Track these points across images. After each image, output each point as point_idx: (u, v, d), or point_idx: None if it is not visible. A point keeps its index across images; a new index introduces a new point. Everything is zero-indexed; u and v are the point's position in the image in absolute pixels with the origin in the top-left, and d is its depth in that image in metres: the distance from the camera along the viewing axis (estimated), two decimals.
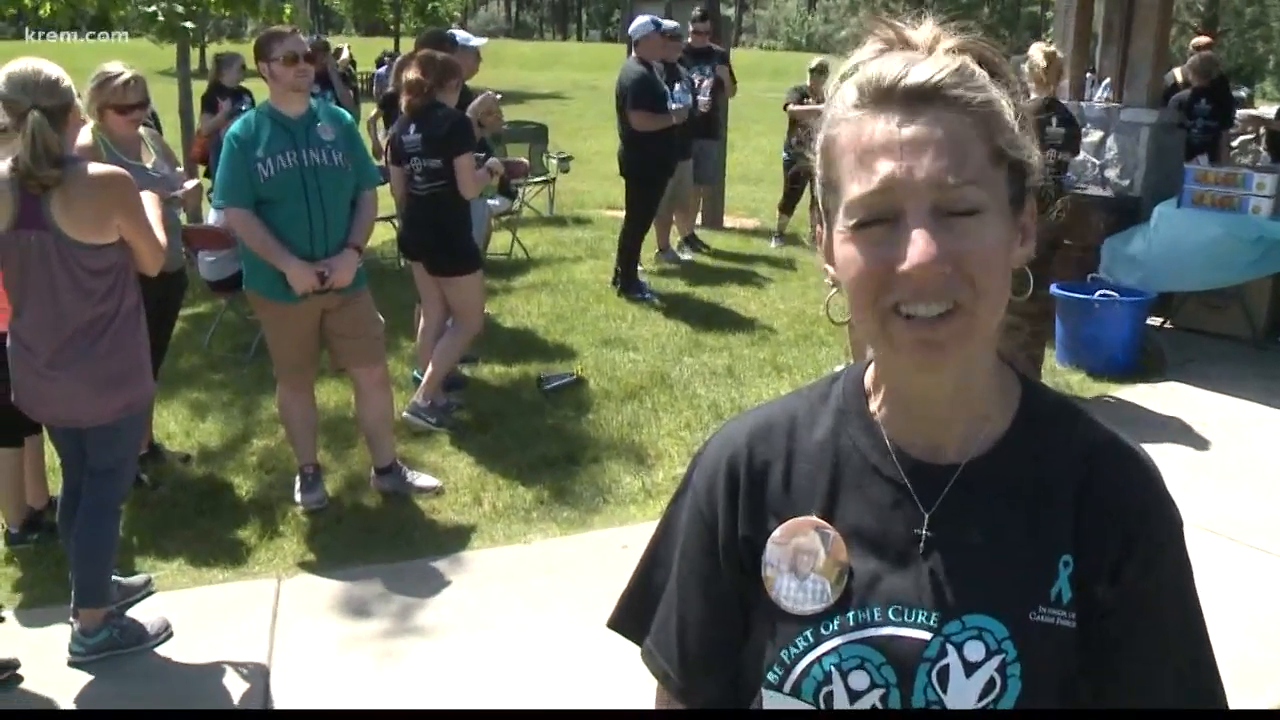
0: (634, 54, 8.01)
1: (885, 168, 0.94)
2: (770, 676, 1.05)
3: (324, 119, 4.47)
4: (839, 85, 1.01)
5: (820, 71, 9.80)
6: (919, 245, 0.92)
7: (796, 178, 9.79)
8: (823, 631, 1.03)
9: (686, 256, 9.32)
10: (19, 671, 3.54)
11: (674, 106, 7.84)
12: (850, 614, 1.03)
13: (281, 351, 4.69)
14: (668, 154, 8.07)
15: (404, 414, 5.51)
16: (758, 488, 1.11)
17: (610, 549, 4.40)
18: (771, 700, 1.05)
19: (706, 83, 8.77)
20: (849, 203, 0.97)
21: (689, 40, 9.06)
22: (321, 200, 4.39)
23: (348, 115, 4.71)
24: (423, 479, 4.94)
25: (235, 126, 4.49)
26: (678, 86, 8.08)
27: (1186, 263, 6.77)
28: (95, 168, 3.40)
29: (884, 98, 0.96)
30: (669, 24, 8.44)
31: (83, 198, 3.32)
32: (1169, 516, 1.06)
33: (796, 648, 1.04)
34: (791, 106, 9.67)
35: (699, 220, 10.18)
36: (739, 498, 1.11)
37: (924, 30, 1.01)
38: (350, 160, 4.48)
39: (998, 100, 0.97)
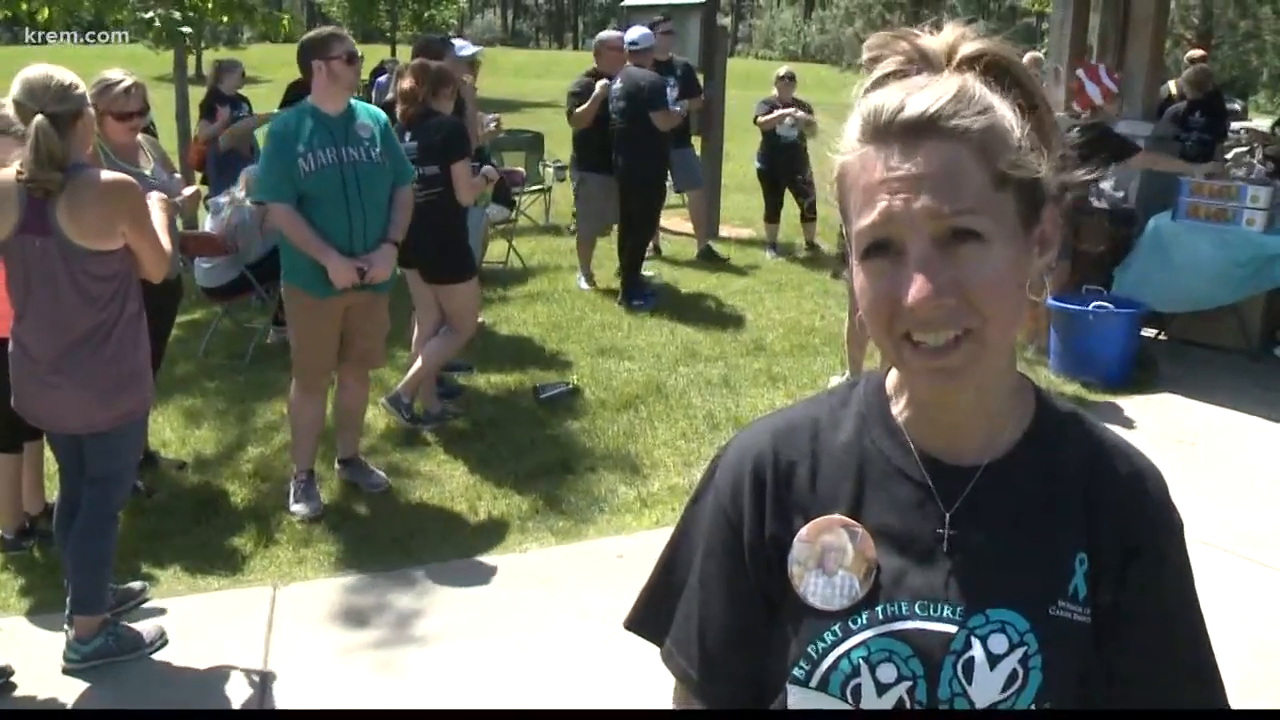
0: (634, 61, 8.17)
1: (883, 202, 0.97)
2: (796, 672, 1.07)
3: (363, 117, 4.59)
4: (849, 112, 1.03)
5: (788, 79, 9.86)
6: (918, 283, 0.95)
7: (776, 187, 9.87)
8: (851, 626, 1.06)
9: (650, 273, 9.12)
10: (13, 679, 3.53)
11: (675, 108, 8.20)
12: (879, 608, 1.06)
13: (307, 348, 4.74)
14: (665, 158, 8.31)
15: (382, 400, 5.53)
16: (784, 487, 1.13)
17: (605, 558, 4.40)
18: (797, 695, 1.08)
19: (672, 92, 8.87)
20: (856, 234, 1.00)
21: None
22: (360, 196, 4.51)
23: (384, 115, 4.81)
24: (377, 476, 5.04)
25: (275, 123, 4.66)
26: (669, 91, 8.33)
27: (1182, 283, 6.79)
28: (104, 175, 3.42)
29: (883, 132, 0.98)
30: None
31: (89, 204, 3.33)
32: (1171, 518, 1.12)
33: (824, 642, 1.06)
34: (760, 119, 9.74)
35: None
36: (766, 497, 1.13)
37: (943, 36, 1.03)
38: (387, 157, 4.60)
39: (999, 121, 0.98)
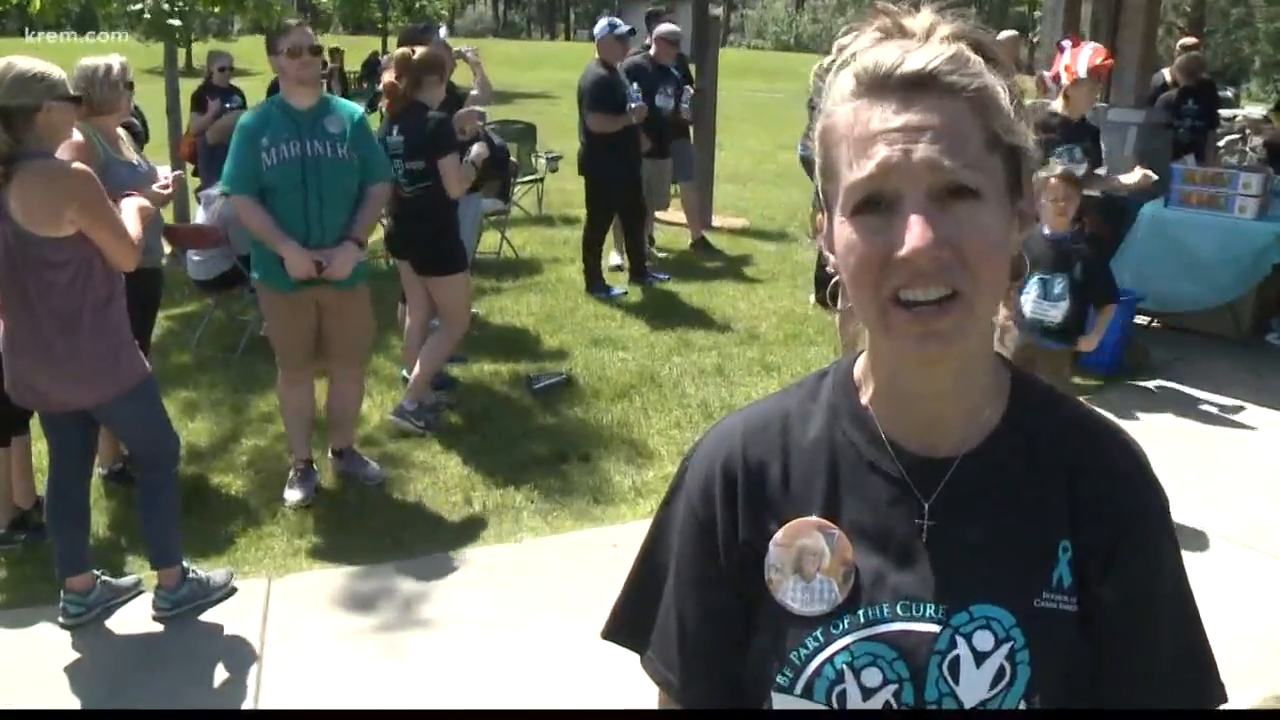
0: (595, 56, 8.09)
1: (882, 152, 0.94)
2: (780, 679, 1.04)
3: (335, 112, 4.56)
4: (836, 74, 1.01)
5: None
6: (916, 230, 0.92)
7: None
8: (833, 631, 1.03)
9: (663, 275, 8.87)
10: (3, 672, 3.53)
11: (631, 106, 7.91)
12: (860, 612, 1.03)
13: (280, 341, 4.78)
14: (626, 154, 8.05)
15: (390, 417, 5.52)
16: (756, 489, 1.10)
17: (600, 548, 4.40)
18: (781, 703, 1.05)
19: (687, 89, 8.86)
20: (847, 187, 0.97)
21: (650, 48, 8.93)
22: (320, 191, 4.47)
23: (359, 110, 4.77)
24: (371, 469, 5.01)
25: (245, 116, 4.68)
26: (635, 87, 8.11)
27: (1181, 288, 6.80)
28: (53, 162, 3.41)
29: (880, 85, 0.96)
30: (665, 28, 8.60)
31: (35, 191, 3.34)
32: (1157, 498, 1.08)
33: (806, 648, 1.04)
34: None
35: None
36: (737, 500, 1.10)
37: (921, 18, 1.01)
38: (354, 154, 4.54)
39: (992, 86, 0.98)
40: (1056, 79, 6.21)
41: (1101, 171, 6.41)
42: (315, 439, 5.05)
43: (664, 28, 8.72)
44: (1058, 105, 6.00)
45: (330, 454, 5.06)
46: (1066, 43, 6.51)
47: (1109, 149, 7.68)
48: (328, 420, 5.08)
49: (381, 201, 4.79)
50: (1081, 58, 6.00)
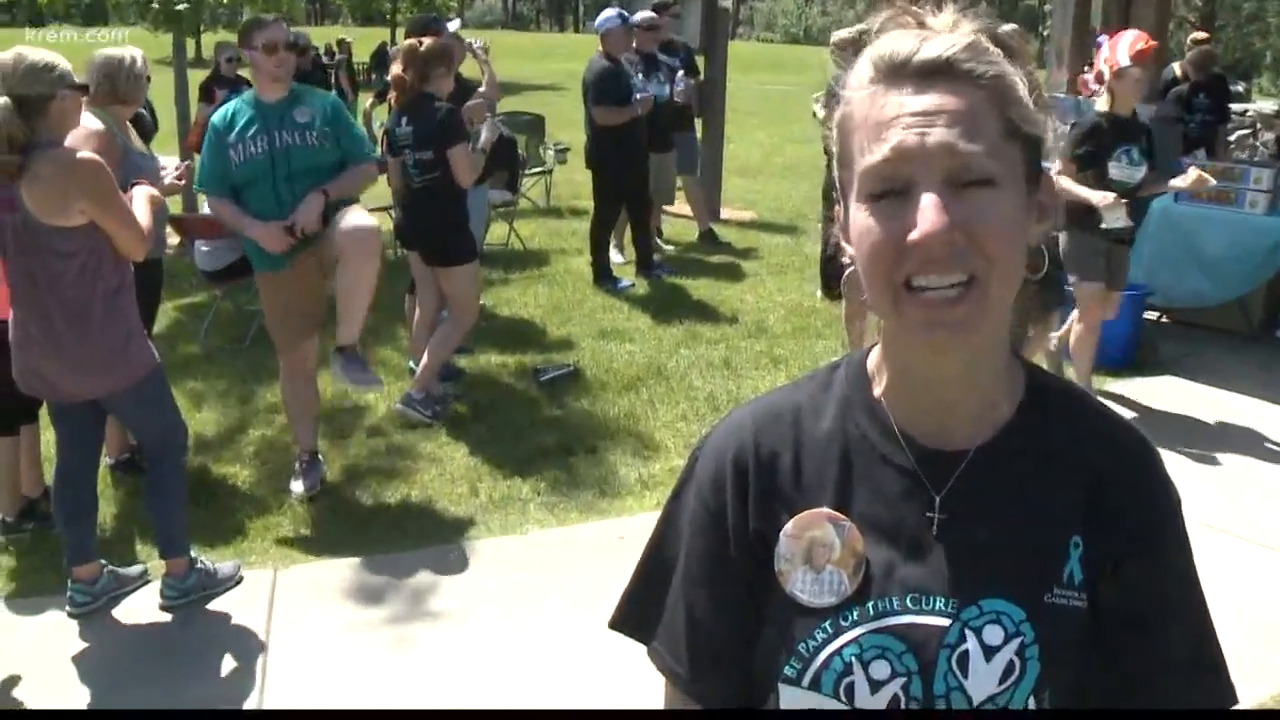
0: (600, 49, 8.01)
1: (897, 136, 0.94)
2: (788, 671, 1.04)
3: (304, 102, 4.51)
4: (855, 64, 1.01)
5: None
6: (929, 214, 0.92)
7: None
8: (842, 623, 1.03)
9: (669, 269, 8.79)
10: (8, 662, 3.54)
11: (637, 98, 7.88)
12: (869, 604, 1.03)
13: (277, 324, 4.72)
14: (632, 146, 8.00)
15: (397, 406, 5.52)
16: (767, 480, 1.10)
17: (607, 540, 4.39)
18: (789, 695, 1.04)
19: (680, 74, 8.80)
20: (862, 173, 0.97)
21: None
22: (291, 178, 4.42)
23: (331, 96, 4.73)
24: (369, 375, 4.70)
25: (215, 115, 4.61)
26: (639, 78, 8.08)
27: (1189, 283, 6.76)
28: (62, 151, 3.41)
29: (897, 73, 0.96)
30: (642, 15, 8.54)
31: (45, 180, 3.34)
32: (1170, 497, 1.09)
33: (815, 640, 1.03)
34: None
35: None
36: (748, 491, 1.10)
37: (943, 17, 1.01)
38: (327, 139, 4.47)
39: (1010, 75, 0.98)
40: (1100, 79, 5.82)
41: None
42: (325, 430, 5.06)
43: (636, 15, 8.61)
44: (1103, 104, 5.67)
45: (334, 352, 4.63)
46: (1103, 38, 6.24)
47: None
48: (337, 306, 4.60)
49: (366, 175, 4.66)
50: (1121, 47, 5.66)
